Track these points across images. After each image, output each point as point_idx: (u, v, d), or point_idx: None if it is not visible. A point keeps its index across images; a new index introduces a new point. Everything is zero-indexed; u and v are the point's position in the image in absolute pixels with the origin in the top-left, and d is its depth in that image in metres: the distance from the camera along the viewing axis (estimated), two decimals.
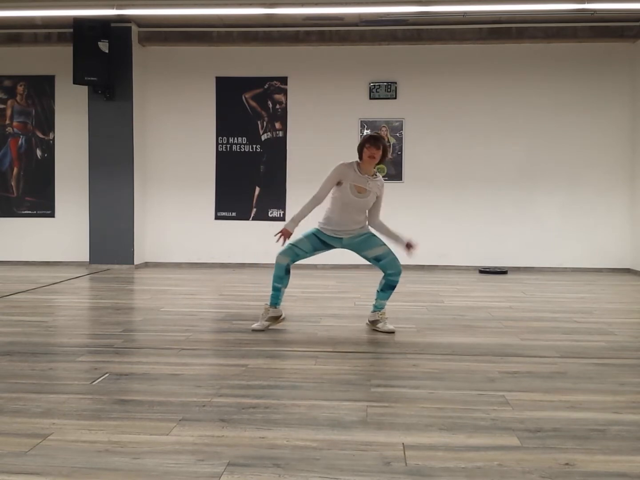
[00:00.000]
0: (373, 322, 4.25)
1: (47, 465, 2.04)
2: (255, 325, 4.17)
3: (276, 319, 4.20)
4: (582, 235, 7.84)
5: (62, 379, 3.07)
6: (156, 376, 3.09)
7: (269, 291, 4.21)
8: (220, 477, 1.97)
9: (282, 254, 4.07)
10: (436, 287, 6.36)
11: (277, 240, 3.98)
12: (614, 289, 6.47)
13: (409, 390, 2.87)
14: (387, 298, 4.22)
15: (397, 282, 4.16)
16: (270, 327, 4.18)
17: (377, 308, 4.25)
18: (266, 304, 4.20)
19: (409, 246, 4.15)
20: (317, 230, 4.12)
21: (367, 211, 4.16)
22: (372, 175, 4.07)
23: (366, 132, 7.99)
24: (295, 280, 6.83)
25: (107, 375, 3.09)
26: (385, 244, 4.14)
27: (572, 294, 6.00)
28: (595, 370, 3.22)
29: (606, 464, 2.08)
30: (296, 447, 2.20)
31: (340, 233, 4.08)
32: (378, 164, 4.07)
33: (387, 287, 4.17)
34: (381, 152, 4.00)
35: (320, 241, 4.11)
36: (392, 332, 4.13)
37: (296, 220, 4.01)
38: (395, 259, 4.11)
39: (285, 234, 3.98)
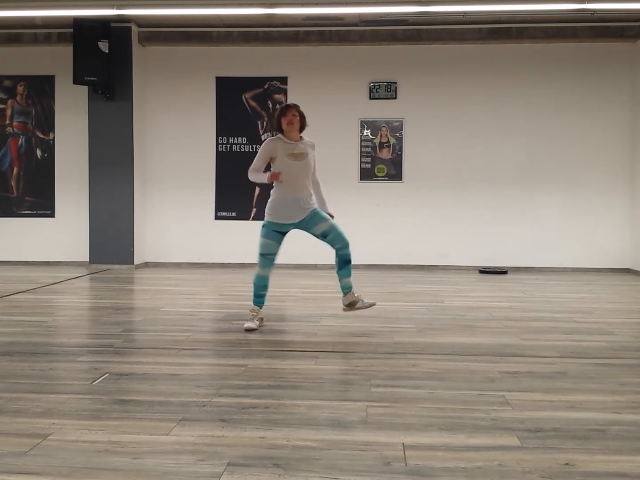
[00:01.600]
0: (350, 305, 4.29)
1: (47, 465, 2.04)
2: (248, 325, 4.18)
3: (261, 319, 4.28)
4: (582, 235, 7.84)
5: (62, 379, 3.07)
6: (156, 376, 3.09)
7: (268, 291, 4.22)
8: (220, 477, 1.97)
9: (263, 267, 4.16)
10: (436, 287, 6.36)
11: (275, 179, 4.01)
12: (614, 289, 6.47)
13: (409, 390, 2.87)
14: (349, 275, 4.24)
15: (349, 254, 4.19)
16: (260, 327, 4.21)
17: (346, 289, 4.27)
18: (255, 307, 4.25)
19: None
20: (269, 224, 4.13)
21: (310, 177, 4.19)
22: (300, 140, 4.16)
23: (366, 132, 8.00)
24: (296, 280, 6.86)
25: (107, 375, 3.09)
26: (329, 219, 4.17)
27: (572, 294, 6.00)
28: (595, 370, 3.22)
29: (606, 464, 2.08)
30: (296, 447, 2.20)
31: (292, 217, 4.09)
32: (301, 128, 4.15)
33: (343, 263, 4.20)
34: (297, 113, 4.09)
35: (280, 234, 4.15)
36: (373, 305, 4.22)
37: (261, 175, 4.11)
38: (340, 232, 4.15)
39: (275, 175, 4.01)
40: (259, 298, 4.26)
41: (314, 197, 4.23)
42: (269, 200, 4.19)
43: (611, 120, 7.76)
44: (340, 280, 4.26)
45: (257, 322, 4.21)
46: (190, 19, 7.40)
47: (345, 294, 4.29)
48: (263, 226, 4.16)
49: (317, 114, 8.06)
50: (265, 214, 4.17)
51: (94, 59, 7.38)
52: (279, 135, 4.17)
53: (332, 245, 4.17)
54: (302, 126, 4.17)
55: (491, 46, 7.77)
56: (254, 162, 4.18)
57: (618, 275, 7.49)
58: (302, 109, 4.18)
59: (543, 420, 2.47)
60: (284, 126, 4.11)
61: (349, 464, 2.07)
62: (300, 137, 4.19)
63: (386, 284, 6.57)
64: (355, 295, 4.29)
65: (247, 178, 4.31)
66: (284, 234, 4.17)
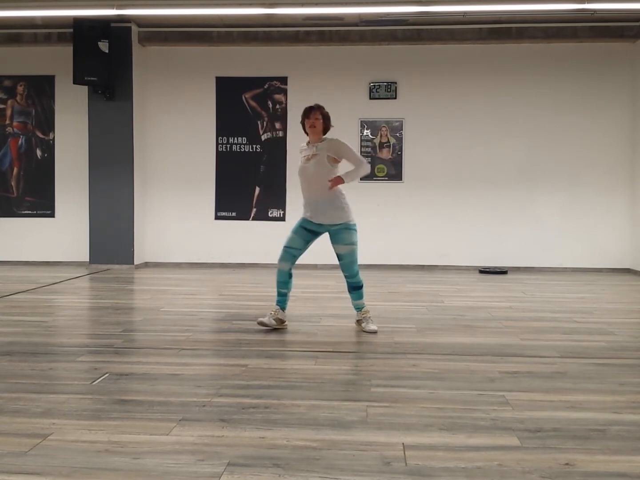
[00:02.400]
0: (358, 322, 4.26)
1: (47, 465, 2.04)
2: (263, 319, 4.15)
3: (281, 322, 4.20)
4: (582, 235, 7.84)
5: (62, 379, 3.07)
6: (156, 376, 3.09)
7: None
8: (220, 477, 1.97)
9: (282, 260, 4.12)
10: (436, 287, 6.36)
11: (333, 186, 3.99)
12: (614, 289, 6.47)
13: (409, 390, 2.87)
14: (360, 298, 4.21)
15: (355, 283, 4.16)
16: (274, 328, 4.17)
17: (357, 309, 4.26)
18: (276, 306, 4.20)
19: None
20: (303, 219, 4.16)
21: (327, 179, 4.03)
22: (320, 142, 4.11)
23: (366, 132, 8.00)
24: (295, 280, 6.83)
25: (107, 375, 3.09)
26: (351, 244, 4.09)
27: (572, 294, 6.00)
28: (595, 370, 3.22)
29: (606, 464, 2.08)
30: (296, 447, 2.20)
31: (315, 217, 4.08)
32: (325, 130, 4.11)
33: (351, 289, 4.21)
34: (320, 115, 4.05)
35: (307, 231, 4.13)
36: (374, 332, 4.09)
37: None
38: (351, 262, 4.11)
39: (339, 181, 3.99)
40: (280, 297, 4.17)
41: (338, 204, 4.08)
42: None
43: (611, 120, 7.76)
44: (352, 301, 4.27)
45: (273, 321, 4.13)
46: (190, 19, 7.40)
47: (357, 312, 4.27)
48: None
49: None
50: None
51: (94, 59, 7.38)
52: (303, 144, 4.23)
53: (342, 270, 4.18)
54: (327, 127, 4.13)
55: (491, 46, 7.77)
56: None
57: (618, 275, 7.49)
58: (302, 109, 4.16)
59: (543, 420, 2.47)
60: (307, 129, 4.09)
61: (349, 464, 2.07)
62: (323, 138, 4.12)
63: (386, 284, 6.57)
64: (363, 316, 4.21)
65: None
66: (310, 231, 4.11)
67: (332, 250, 4.19)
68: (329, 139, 4.12)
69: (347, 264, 4.12)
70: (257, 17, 7.28)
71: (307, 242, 4.14)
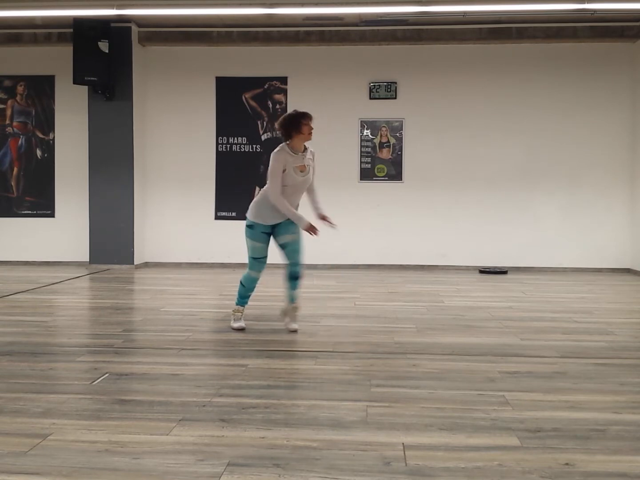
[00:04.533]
0: (283, 314, 4.28)
1: (47, 465, 2.04)
2: (239, 324, 4.20)
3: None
4: (582, 235, 7.84)
5: (62, 379, 3.07)
6: (156, 376, 3.09)
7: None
8: (220, 477, 1.97)
9: (256, 270, 4.16)
10: (436, 287, 6.36)
11: (316, 234, 3.96)
12: (614, 289, 6.47)
13: (409, 390, 2.87)
14: (295, 288, 4.19)
15: (297, 273, 4.14)
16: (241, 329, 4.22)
17: (290, 299, 4.23)
18: (240, 307, 4.25)
19: (322, 218, 4.13)
20: (254, 225, 4.09)
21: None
22: (303, 151, 4.04)
23: (366, 132, 8.00)
24: None
25: (107, 375, 3.09)
26: (296, 233, 4.10)
27: (572, 294, 6.00)
28: (595, 370, 3.22)
29: (606, 464, 2.08)
30: (296, 447, 2.20)
31: (275, 219, 4.06)
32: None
33: (290, 277, 4.17)
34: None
35: (266, 235, 4.12)
36: (293, 331, 4.13)
37: (297, 214, 4.03)
38: (297, 251, 4.11)
39: (314, 229, 3.96)
40: (245, 299, 4.28)
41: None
42: (257, 201, 4.13)
43: (611, 120, 7.76)
44: (287, 290, 4.23)
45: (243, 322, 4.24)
46: (190, 19, 7.40)
47: (288, 302, 4.24)
48: (249, 226, 4.12)
49: (317, 114, 7.99)
50: (251, 213, 4.12)
51: (94, 59, 7.38)
52: (282, 145, 3.99)
53: (286, 259, 4.15)
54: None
55: (491, 46, 7.77)
56: (274, 183, 3.92)
57: (618, 275, 7.49)
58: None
59: (543, 420, 2.47)
60: (305, 132, 3.93)
61: (349, 464, 2.07)
62: (305, 147, 4.06)
63: (386, 284, 6.57)
64: (292, 311, 4.22)
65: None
66: (268, 235, 4.14)
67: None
68: (312, 151, 4.13)
69: (293, 251, 4.10)
70: (257, 17, 7.28)
71: (268, 244, 4.16)
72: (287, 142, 3.99)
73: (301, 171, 4.00)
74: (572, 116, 7.79)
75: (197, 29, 7.75)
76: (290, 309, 4.22)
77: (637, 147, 7.64)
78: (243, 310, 4.28)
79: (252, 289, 4.25)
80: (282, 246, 4.12)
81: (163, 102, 8.16)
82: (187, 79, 8.12)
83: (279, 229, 4.09)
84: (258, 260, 4.14)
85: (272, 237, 4.14)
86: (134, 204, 7.85)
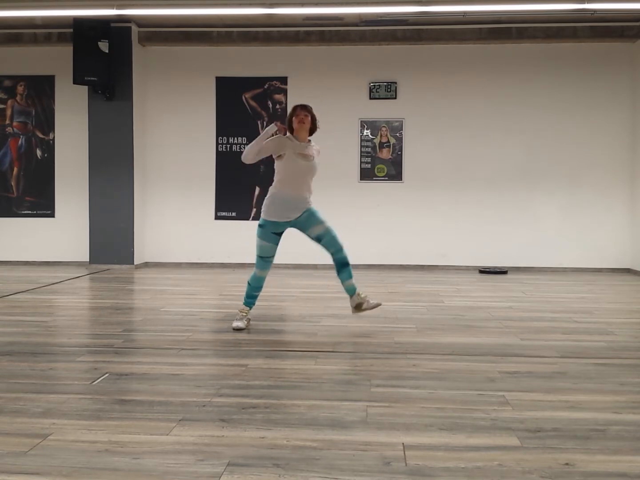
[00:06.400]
0: (357, 307, 4.28)
1: (47, 465, 2.04)
2: (237, 324, 4.18)
3: (249, 320, 4.28)
4: (582, 235, 7.84)
5: (62, 379, 3.07)
6: (156, 376, 3.09)
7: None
8: (220, 477, 1.97)
9: (262, 269, 4.16)
10: (436, 287, 6.36)
11: (277, 131, 4.06)
12: (614, 289, 6.47)
13: (409, 390, 2.87)
14: (350, 277, 4.22)
15: (344, 257, 4.17)
16: (247, 328, 4.21)
17: (350, 291, 4.26)
18: (246, 307, 4.25)
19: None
20: (267, 223, 4.08)
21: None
22: (308, 142, 4.17)
23: (366, 132, 8.00)
24: (295, 280, 6.86)
25: (107, 375, 3.09)
26: (324, 222, 4.13)
27: (572, 294, 6.00)
28: (595, 370, 3.22)
29: (606, 464, 2.08)
30: (296, 447, 2.20)
31: (285, 216, 4.08)
32: (311, 130, 4.17)
33: (340, 266, 4.19)
34: (309, 115, 4.12)
35: (276, 235, 4.13)
36: (379, 305, 4.24)
37: (263, 132, 4.11)
38: (334, 236, 4.14)
39: (281, 127, 4.08)
40: (251, 299, 4.27)
41: (311, 197, 4.20)
42: (267, 197, 4.16)
43: (611, 120, 7.76)
44: (342, 284, 4.25)
45: (245, 322, 4.20)
46: (190, 19, 7.41)
47: (350, 296, 4.28)
48: (260, 226, 4.11)
49: (317, 114, 8.05)
50: (262, 212, 4.14)
51: (94, 59, 7.38)
52: (289, 135, 4.15)
53: (327, 249, 4.17)
54: (313, 129, 4.19)
55: (491, 46, 7.77)
56: (253, 144, 4.07)
57: (618, 275, 7.49)
58: None
59: (543, 420, 2.47)
60: (295, 124, 4.10)
61: (349, 464, 2.07)
62: (309, 140, 4.19)
63: (386, 284, 6.57)
64: (361, 296, 4.27)
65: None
66: (280, 234, 4.15)
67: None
68: (318, 147, 4.23)
69: (331, 238, 4.13)
70: (257, 17, 7.28)
71: (277, 245, 4.17)
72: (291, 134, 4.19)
73: (305, 158, 4.06)
74: (572, 116, 7.79)
75: (197, 29, 7.75)
76: (357, 299, 4.24)
77: (637, 147, 7.64)
78: (248, 311, 4.26)
79: (258, 289, 4.23)
80: (317, 239, 4.15)
81: (163, 102, 8.16)
82: (187, 79, 8.12)
83: (303, 225, 4.12)
84: (264, 259, 4.14)
85: (303, 233, 4.17)
86: (134, 204, 7.85)
